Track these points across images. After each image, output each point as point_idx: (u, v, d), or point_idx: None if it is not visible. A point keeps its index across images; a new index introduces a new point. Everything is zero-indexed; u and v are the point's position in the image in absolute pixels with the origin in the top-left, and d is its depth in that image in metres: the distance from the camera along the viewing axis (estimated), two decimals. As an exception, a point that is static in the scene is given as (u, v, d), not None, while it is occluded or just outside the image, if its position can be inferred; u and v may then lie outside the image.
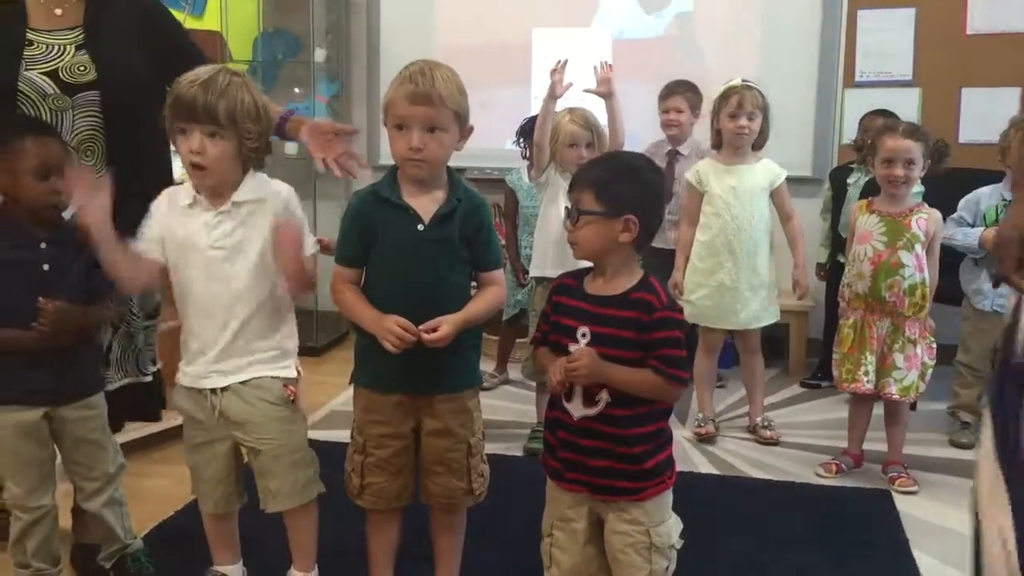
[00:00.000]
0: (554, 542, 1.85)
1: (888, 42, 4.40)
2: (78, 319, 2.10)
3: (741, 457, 3.30)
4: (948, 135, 4.17)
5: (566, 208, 1.84)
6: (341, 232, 2.02)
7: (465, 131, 1.96)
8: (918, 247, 2.92)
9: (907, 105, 4.29)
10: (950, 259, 3.23)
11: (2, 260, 2.06)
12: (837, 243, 3.83)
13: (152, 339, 2.48)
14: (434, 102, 1.88)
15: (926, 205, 3.00)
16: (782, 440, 3.43)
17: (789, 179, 3.89)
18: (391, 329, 1.88)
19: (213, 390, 2.02)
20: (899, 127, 2.97)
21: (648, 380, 1.73)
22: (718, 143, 3.36)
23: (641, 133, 4.42)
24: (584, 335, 1.76)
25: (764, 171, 3.32)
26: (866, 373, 2.97)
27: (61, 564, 2.25)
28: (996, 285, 1.63)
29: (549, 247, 3.11)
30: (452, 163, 1.97)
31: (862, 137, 3.92)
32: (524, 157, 3.92)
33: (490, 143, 4.70)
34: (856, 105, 4.32)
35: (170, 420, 3.10)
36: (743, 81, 3.29)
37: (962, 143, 4.20)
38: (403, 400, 2.00)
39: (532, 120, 3.99)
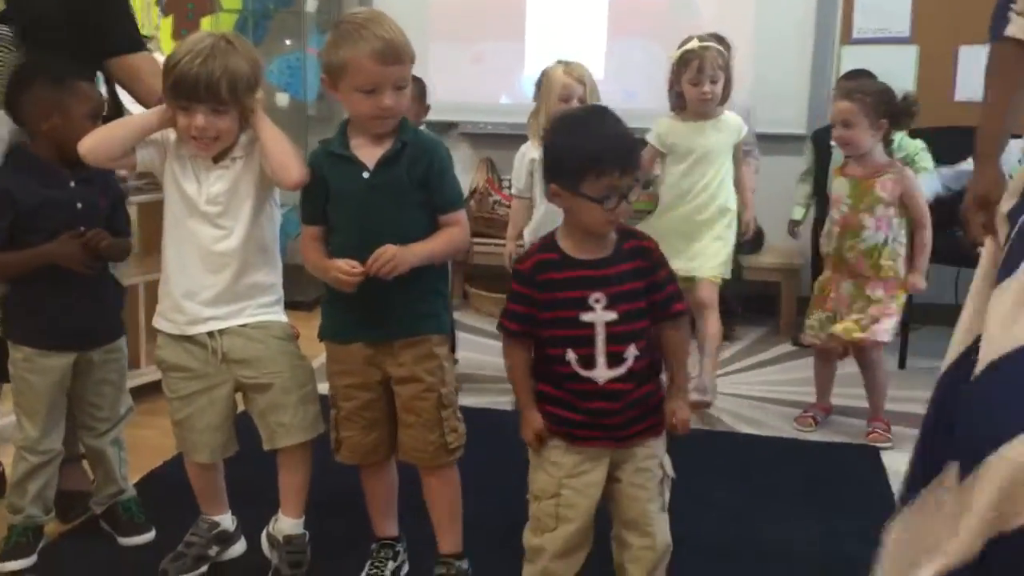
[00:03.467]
0: (562, 502, 1.80)
1: (886, -1, 4.36)
2: (116, 248, 2.19)
3: (728, 412, 3.32)
4: (944, 92, 4.17)
5: (619, 189, 1.68)
6: (301, 190, 2.00)
7: None
8: (879, 208, 2.92)
9: (904, 62, 4.27)
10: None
11: (39, 200, 2.11)
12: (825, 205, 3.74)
13: None
14: (403, 58, 1.86)
15: (898, 165, 2.98)
16: (771, 396, 3.46)
17: (785, 137, 3.87)
18: (338, 267, 1.88)
19: (211, 333, 2.02)
20: (843, 89, 2.99)
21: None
22: (680, 105, 3.24)
23: (640, 91, 4.39)
24: (598, 300, 1.73)
25: (728, 126, 3.22)
26: (820, 328, 3.04)
27: (52, 513, 2.27)
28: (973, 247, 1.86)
29: (542, 224, 3.08)
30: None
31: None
32: None
33: (484, 98, 4.67)
34: (853, 63, 4.26)
35: (157, 372, 3.10)
36: (700, 42, 3.17)
37: (958, 100, 4.19)
38: (364, 349, 1.99)
39: (544, 75, 3.95)
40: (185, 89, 1.89)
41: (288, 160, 1.95)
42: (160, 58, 3.55)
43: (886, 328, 2.96)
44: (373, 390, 2.02)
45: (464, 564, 2.11)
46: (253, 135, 2.00)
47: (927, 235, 2.95)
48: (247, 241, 2.01)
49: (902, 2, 4.33)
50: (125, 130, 1.99)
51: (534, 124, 3.16)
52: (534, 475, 1.85)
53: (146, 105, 2.25)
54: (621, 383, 1.75)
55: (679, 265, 3.12)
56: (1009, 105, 1.64)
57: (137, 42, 2.42)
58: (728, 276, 3.33)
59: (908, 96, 2.94)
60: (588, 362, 1.75)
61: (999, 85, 1.70)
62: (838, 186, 3.03)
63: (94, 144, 1.97)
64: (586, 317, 1.73)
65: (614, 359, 1.74)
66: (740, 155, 3.30)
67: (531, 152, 3.14)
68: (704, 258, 3.23)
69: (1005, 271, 1.52)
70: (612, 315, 1.73)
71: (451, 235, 1.97)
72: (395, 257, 1.85)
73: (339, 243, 1.96)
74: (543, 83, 3.11)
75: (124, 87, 2.45)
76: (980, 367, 1.49)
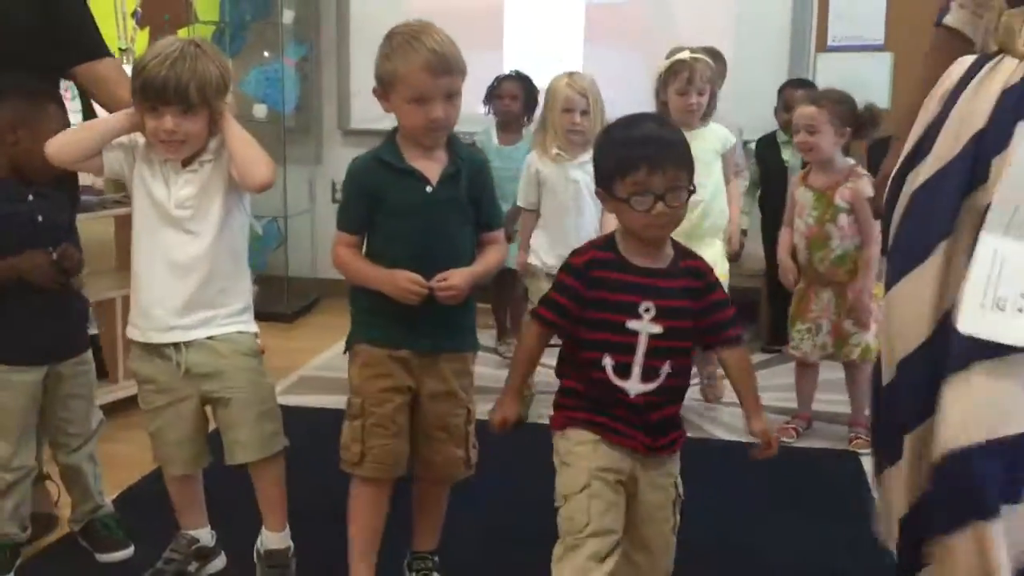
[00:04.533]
0: (593, 492, 1.70)
1: (860, 6, 4.40)
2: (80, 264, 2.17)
3: (708, 419, 3.33)
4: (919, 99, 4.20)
5: (650, 188, 1.66)
6: (343, 199, 2.01)
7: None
8: (842, 217, 2.95)
9: (879, 70, 4.31)
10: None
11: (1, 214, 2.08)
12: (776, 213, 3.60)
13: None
14: (453, 70, 1.87)
15: (857, 172, 2.98)
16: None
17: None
18: (410, 278, 1.86)
19: (176, 345, 2.00)
20: (810, 95, 3.01)
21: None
22: (664, 115, 3.21)
23: (618, 101, 4.39)
24: (648, 310, 1.70)
25: (715, 137, 3.23)
26: (801, 340, 3.07)
27: (29, 530, 2.24)
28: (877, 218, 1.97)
29: (547, 236, 3.14)
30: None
31: (781, 108, 4.03)
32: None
33: (464, 107, 4.67)
34: (829, 70, 4.32)
35: (133, 387, 3.08)
36: (691, 53, 3.18)
37: (932, 108, 4.22)
38: (409, 357, 1.95)
39: (497, 81, 4.01)
40: (154, 91, 1.88)
41: (254, 160, 1.94)
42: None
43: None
44: (406, 395, 1.98)
45: (436, 558, 2.16)
46: (222, 140, 1.99)
47: (872, 252, 2.91)
48: (216, 246, 1.99)
49: (876, 10, 4.37)
50: (92, 132, 1.98)
51: (539, 136, 3.18)
52: (561, 476, 1.77)
53: (111, 112, 2.23)
54: (652, 397, 1.72)
55: None
56: (930, 90, 1.68)
57: (101, 48, 2.39)
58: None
59: (871, 106, 2.98)
60: (623, 371, 1.71)
61: (928, 70, 1.78)
62: (802, 196, 3.05)
63: (61, 145, 1.96)
64: (632, 325, 1.69)
65: (649, 373, 1.71)
66: (730, 168, 3.30)
67: (535, 164, 3.15)
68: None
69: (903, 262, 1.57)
70: (658, 328, 1.69)
71: (498, 253, 2.02)
72: (460, 293, 1.89)
73: (392, 255, 1.93)
74: (548, 95, 3.12)
75: (90, 95, 2.44)
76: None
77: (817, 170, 3.03)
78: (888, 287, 1.62)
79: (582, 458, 1.74)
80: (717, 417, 3.35)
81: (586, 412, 1.76)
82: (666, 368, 1.72)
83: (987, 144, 1.42)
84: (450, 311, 1.92)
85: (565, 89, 3.04)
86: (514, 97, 3.97)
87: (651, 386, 1.71)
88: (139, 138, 1.99)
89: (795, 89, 3.99)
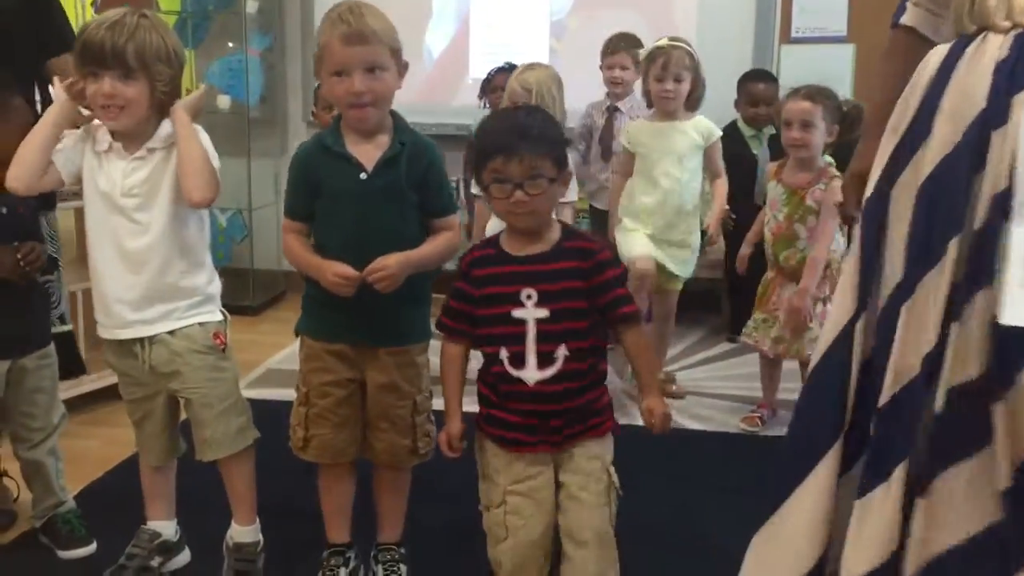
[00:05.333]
0: (509, 510, 1.76)
1: (824, -3, 4.44)
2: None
3: (676, 409, 3.34)
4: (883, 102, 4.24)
5: (507, 176, 1.70)
6: (288, 184, 1.99)
7: (402, 68, 1.92)
8: (811, 218, 2.96)
9: (841, 61, 4.34)
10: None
11: None
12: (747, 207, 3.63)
13: (53, 295, 2.53)
14: (370, 40, 1.84)
15: (829, 173, 2.96)
16: (716, 392, 3.50)
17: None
18: (337, 272, 1.84)
19: (141, 342, 1.99)
20: (802, 90, 2.97)
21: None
22: (651, 102, 3.30)
23: (582, 91, 4.40)
24: (530, 296, 1.72)
25: (696, 129, 3.24)
26: (755, 329, 3.09)
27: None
28: (845, 222, 1.97)
29: (498, 225, 3.13)
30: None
31: (743, 100, 4.06)
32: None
33: (426, 97, 4.66)
34: (792, 62, 4.35)
35: (97, 381, 3.05)
36: (670, 40, 3.20)
37: (894, 99, 4.27)
38: (346, 350, 1.96)
39: (491, 74, 4.02)
40: (92, 54, 1.86)
41: (194, 181, 1.90)
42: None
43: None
44: (347, 387, 1.99)
45: (403, 550, 2.15)
46: (167, 130, 1.95)
47: (818, 254, 2.91)
48: (166, 238, 1.96)
49: (839, 2, 4.41)
50: (35, 141, 1.93)
51: None
52: (481, 485, 1.84)
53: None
54: (552, 385, 1.72)
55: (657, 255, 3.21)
56: (895, 88, 1.67)
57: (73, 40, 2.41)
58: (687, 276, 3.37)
59: (857, 104, 2.97)
60: (519, 361, 1.73)
61: (889, 69, 1.80)
62: (773, 190, 3.05)
63: (18, 173, 1.91)
64: (517, 313, 1.72)
65: (544, 359, 1.72)
66: (716, 165, 3.28)
67: None
68: (668, 264, 3.28)
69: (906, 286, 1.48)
70: (543, 312, 1.72)
71: (446, 240, 1.97)
72: (393, 277, 1.84)
73: (330, 242, 1.92)
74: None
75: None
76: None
77: (795, 166, 3.00)
78: (903, 296, 1.48)
79: (497, 473, 1.79)
80: (682, 406, 3.37)
81: (495, 427, 1.79)
82: (562, 351, 1.72)
83: (988, 121, 1.39)
84: (391, 303, 1.90)
85: (512, 84, 3.08)
86: None
87: (549, 372, 1.72)
88: (89, 130, 1.96)
89: (757, 82, 4.00)
